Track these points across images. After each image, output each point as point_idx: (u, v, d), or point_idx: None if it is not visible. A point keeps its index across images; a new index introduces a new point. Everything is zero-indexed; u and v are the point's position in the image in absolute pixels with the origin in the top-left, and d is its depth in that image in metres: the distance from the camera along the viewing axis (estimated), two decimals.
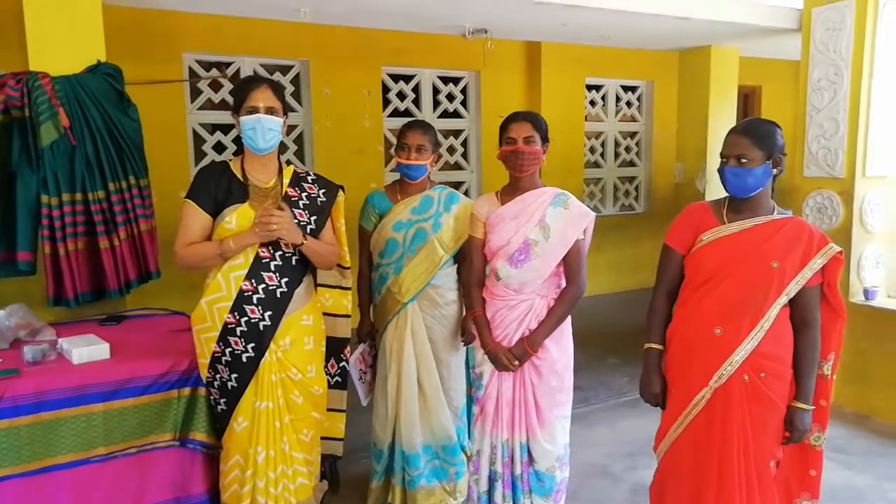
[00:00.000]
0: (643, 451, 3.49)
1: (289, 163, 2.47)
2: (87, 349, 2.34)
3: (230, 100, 5.20)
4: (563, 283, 2.45)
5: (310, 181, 2.42)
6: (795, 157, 4.18)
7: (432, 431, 2.82)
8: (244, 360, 2.26)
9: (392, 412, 2.81)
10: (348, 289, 2.64)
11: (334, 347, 2.59)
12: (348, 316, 2.64)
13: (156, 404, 2.35)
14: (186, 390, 2.39)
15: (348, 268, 2.61)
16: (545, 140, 2.45)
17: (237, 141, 5.63)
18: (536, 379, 2.40)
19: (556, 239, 2.35)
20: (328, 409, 2.59)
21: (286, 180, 2.37)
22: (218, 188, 2.27)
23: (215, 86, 5.19)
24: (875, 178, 4.01)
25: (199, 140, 5.22)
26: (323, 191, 2.42)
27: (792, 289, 2.01)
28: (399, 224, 2.78)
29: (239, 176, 2.31)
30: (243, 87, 2.27)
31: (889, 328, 3.72)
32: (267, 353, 2.27)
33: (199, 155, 5.23)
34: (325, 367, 2.55)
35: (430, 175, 2.86)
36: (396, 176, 6.12)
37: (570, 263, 2.40)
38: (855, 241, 3.97)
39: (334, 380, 2.64)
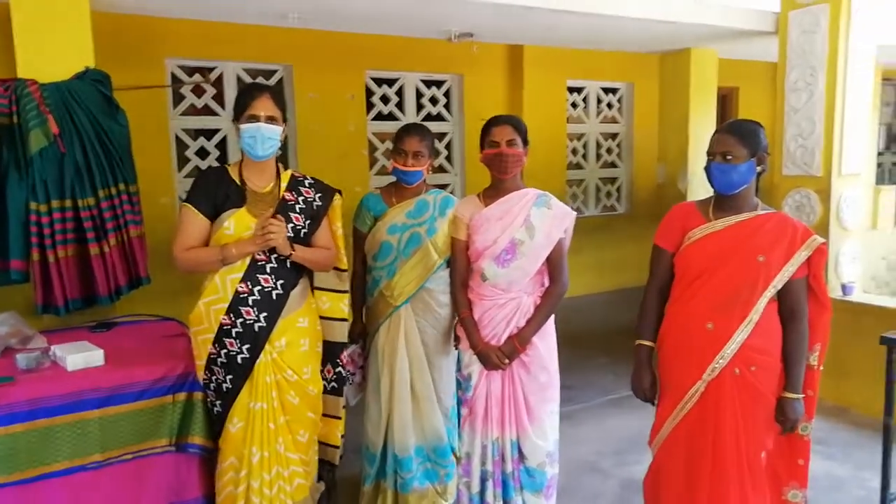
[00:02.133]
0: (631, 447, 3.55)
1: (286, 167, 2.48)
2: (81, 356, 2.34)
3: (213, 105, 5.21)
4: (546, 282, 2.50)
5: (307, 185, 2.45)
6: (774, 157, 4.28)
7: (424, 434, 2.84)
8: (239, 361, 2.27)
9: (385, 415, 2.83)
10: (346, 292, 2.64)
11: (330, 352, 2.58)
12: (346, 320, 2.62)
13: (151, 410, 2.35)
14: (182, 395, 2.39)
15: (346, 271, 2.61)
16: (526, 143, 2.51)
17: (220, 146, 5.62)
18: (525, 375, 2.44)
19: (540, 238, 2.41)
20: (326, 415, 2.59)
21: (283, 185, 2.39)
22: (217, 193, 2.30)
23: (198, 91, 5.17)
24: (850, 176, 4.12)
25: (181, 146, 5.19)
26: (319, 195, 2.45)
27: (778, 282, 2.08)
28: (394, 227, 2.80)
29: (237, 181, 2.33)
30: (245, 95, 2.30)
31: (866, 322, 3.83)
32: (262, 355, 2.29)
33: (182, 161, 5.21)
34: (323, 371, 2.56)
35: (425, 179, 2.89)
36: (381, 179, 6.12)
37: (553, 262, 2.46)
38: (832, 237, 4.08)
39: (330, 385, 2.61)
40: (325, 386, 2.56)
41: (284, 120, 2.34)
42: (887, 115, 8.39)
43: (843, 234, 4.14)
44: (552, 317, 2.51)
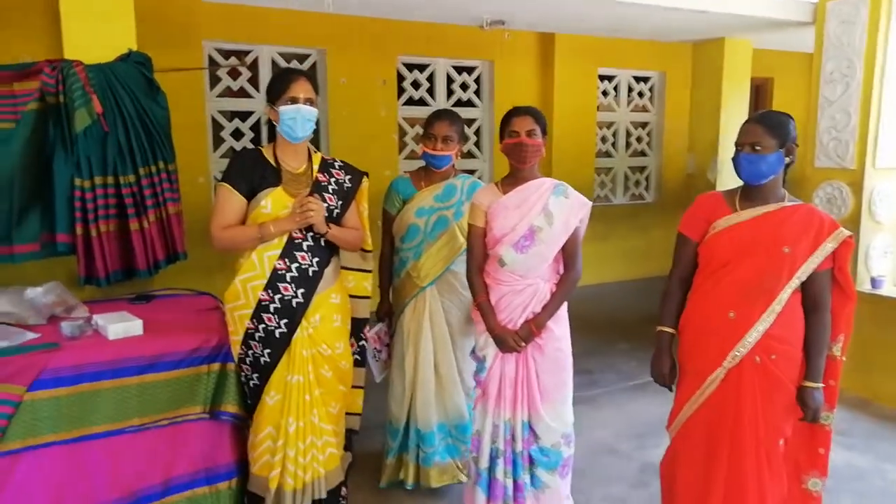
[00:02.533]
0: (651, 431, 3.59)
1: (317, 150, 2.56)
2: (121, 325, 2.45)
3: (248, 87, 5.32)
4: (561, 270, 2.54)
5: (337, 167, 2.52)
6: (807, 148, 4.24)
7: (446, 411, 2.92)
8: (277, 335, 2.36)
9: (409, 392, 2.91)
10: (369, 271, 2.72)
11: (354, 327, 2.67)
12: (368, 297, 2.73)
13: (187, 378, 2.45)
14: (216, 365, 2.48)
15: (370, 251, 2.69)
16: (544, 133, 2.54)
17: (255, 128, 5.73)
18: (540, 357, 2.49)
19: (558, 226, 2.45)
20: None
21: (315, 166, 2.47)
22: (253, 173, 2.37)
23: (234, 74, 5.27)
24: (884, 170, 4.06)
25: (217, 127, 5.31)
26: (349, 177, 2.53)
27: (803, 273, 2.09)
28: (421, 210, 2.87)
29: (272, 162, 2.41)
30: (283, 78, 2.37)
31: (894, 316, 3.79)
32: (298, 330, 2.38)
33: (217, 141, 5.33)
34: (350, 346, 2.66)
35: (454, 164, 2.94)
36: (410, 163, 6.20)
37: (568, 250, 2.50)
38: (863, 231, 4.04)
39: (354, 357, 2.71)
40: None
41: (316, 104, 2.42)
42: None
43: (874, 228, 4.09)
44: (566, 303, 2.56)
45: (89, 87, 2.84)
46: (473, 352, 2.64)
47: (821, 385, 2.15)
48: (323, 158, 2.53)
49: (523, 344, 2.46)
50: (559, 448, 2.52)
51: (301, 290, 2.36)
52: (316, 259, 2.39)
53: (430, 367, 2.88)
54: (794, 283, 2.09)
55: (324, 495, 2.48)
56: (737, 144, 2.16)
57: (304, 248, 2.37)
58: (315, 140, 5.63)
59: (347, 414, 2.76)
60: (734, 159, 2.17)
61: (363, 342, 2.75)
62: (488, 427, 2.55)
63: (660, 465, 2.43)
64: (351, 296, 2.64)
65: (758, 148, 2.09)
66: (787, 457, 2.27)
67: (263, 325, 2.36)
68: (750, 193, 2.19)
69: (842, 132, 4.07)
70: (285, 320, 2.36)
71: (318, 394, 2.44)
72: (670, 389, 2.36)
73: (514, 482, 2.53)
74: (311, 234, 2.38)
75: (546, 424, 2.49)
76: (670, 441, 2.37)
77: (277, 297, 2.35)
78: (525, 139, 2.46)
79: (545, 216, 2.45)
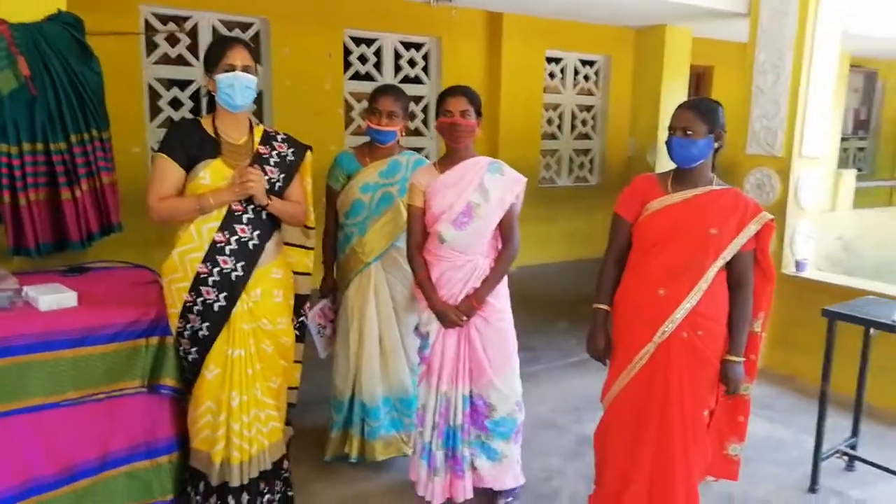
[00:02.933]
0: (587, 406, 3.74)
1: (261, 123, 2.52)
2: (54, 297, 2.37)
3: (188, 55, 5.15)
4: (500, 246, 2.61)
5: (279, 140, 2.49)
6: (740, 135, 4.42)
7: (391, 385, 2.96)
8: (216, 308, 2.34)
9: (353, 366, 2.94)
10: (311, 248, 2.70)
11: (295, 303, 2.66)
12: (309, 274, 2.72)
13: (124, 351, 2.40)
14: (155, 339, 2.44)
15: (313, 228, 2.67)
16: (479, 114, 2.58)
17: (194, 98, 5.56)
18: (485, 330, 2.56)
19: (494, 202, 2.51)
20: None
21: (257, 138, 2.43)
22: (191, 143, 2.33)
23: (172, 40, 5.09)
24: (809, 159, 4.28)
25: (154, 95, 5.13)
26: (292, 150, 2.50)
27: (728, 253, 2.21)
28: (367, 186, 2.88)
29: (211, 133, 2.36)
30: (218, 46, 2.33)
31: (816, 297, 4.01)
32: (238, 303, 2.36)
33: (155, 111, 5.15)
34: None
35: (399, 141, 2.95)
36: (356, 139, 6.15)
37: (505, 225, 2.57)
38: (789, 216, 4.26)
39: (294, 333, 2.69)
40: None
41: (256, 71, 2.38)
42: (855, 101, 8.62)
43: (799, 214, 4.32)
44: (505, 278, 2.63)
45: (14, 47, 2.70)
46: (417, 329, 2.69)
47: (742, 359, 2.29)
48: (265, 131, 2.49)
49: (465, 318, 2.52)
50: (514, 415, 2.62)
51: (240, 264, 2.34)
52: (256, 232, 2.37)
53: (375, 342, 2.91)
54: (720, 262, 2.21)
55: (269, 466, 2.49)
56: (669, 129, 2.26)
57: (244, 220, 2.34)
58: (258, 113, 5.51)
59: (288, 389, 2.77)
60: (667, 142, 2.27)
61: (303, 318, 2.74)
62: (431, 402, 2.61)
63: (594, 434, 2.54)
64: (293, 272, 2.62)
65: (689, 133, 2.19)
66: (711, 426, 2.41)
67: (202, 299, 2.33)
68: (681, 177, 2.29)
69: (771, 121, 4.26)
70: (224, 293, 2.33)
71: (259, 368, 2.43)
72: (605, 364, 2.46)
73: (454, 455, 2.60)
74: (251, 206, 2.35)
75: (500, 393, 2.57)
76: (603, 412, 2.48)
77: (216, 269, 2.32)
78: (458, 119, 2.50)
79: (481, 193, 2.50)
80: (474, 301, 2.51)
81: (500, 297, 2.61)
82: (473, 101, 2.54)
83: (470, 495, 2.63)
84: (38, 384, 2.26)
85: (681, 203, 2.25)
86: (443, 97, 2.56)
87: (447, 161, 2.59)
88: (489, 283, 2.53)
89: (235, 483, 2.40)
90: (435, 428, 2.59)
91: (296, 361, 2.75)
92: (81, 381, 2.33)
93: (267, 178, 2.36)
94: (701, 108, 2.22)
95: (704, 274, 2.20)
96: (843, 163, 8.39)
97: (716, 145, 2.23)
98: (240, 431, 2.39)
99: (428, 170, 2.63)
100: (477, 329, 2.56)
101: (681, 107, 2.26)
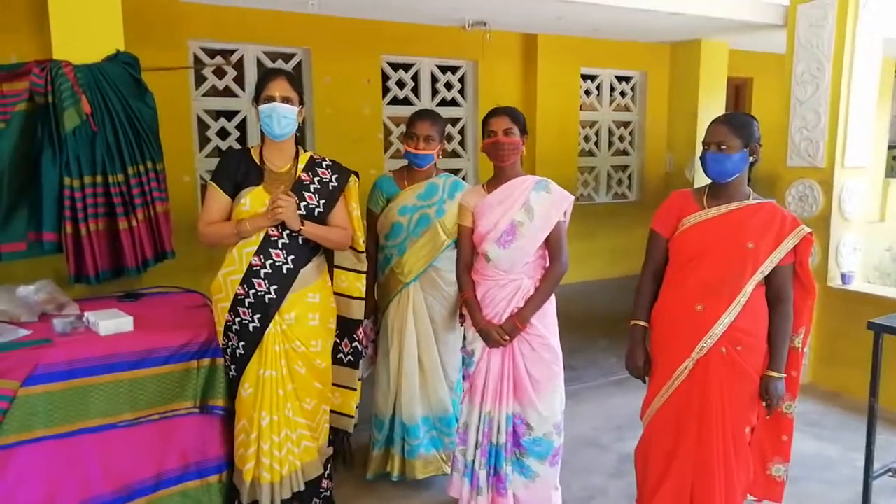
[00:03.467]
0: (629, 424, 3.70)
1: (307, 150, 2.63)
2: (113, 321, 2.51)
3: (234, 87, 5.37)
4: (548, 265, 2.63)
5: (324, 167, 2.58)
6: (780, 148, 4.36)
7: (430, 405, 3.01)
8: (251, 329, 2.44)
9: (394, 386, 3.00)
10: (363, 272, 2.73)
11: (348, 328, 2.72)
12: (362, 299, 2.74)
13: (177, 373, 2.52)
14: (206, 361, 2.55)
15: (363, 252, 2.70)
16: (523, 132, 2.62)
17: (240, 127, 5.77)
18: (529, 352, 2.58)
19: (539, 220, 2.54)
20: (341, 386, 2.77)
21: (301, 165, 2.54)
22: (237, 171, 2.47)
23: (219, 73, 5.32)
24: (853, 169, 4.20)
25: (203, 126, 5.35)
26: (336, 176, 2.57)
27: (766, 267, 2.20)
28: (405, 209, 2.95)
29: (257, 160, 2.50)
30: (263, 78, 2.47)
31: (863, 311, 3.91)
32: (271, 325, 2.45)
33: (203, 141, 5.37)
34: (339, 345, 2.72)
35: (436, 163, 3.03)
36: (395, 162, 6.28)
37: (553, 243, 2.59)
38: (833, 228, 4.17)
39: (347, 358, 2.77)
40: (342, 359, 2.72)
41: (301, 102, 2.48)
42: None
43: (844, 225, 4.23)
44: (553, 299, 2.64)
45: (78, 87, 2.89)
46: (463, 346, 2.73)
47: (783, 375, 2.26)
48: (311, 157, 2.58)
49: (507, 338, 2.55)
50: (551, 437, 2.61)
51: (273, 287, 2.43)
52: (291, 257, 2.45)
53: (415, 361, 2.96)
54: (758, 277, 2.21)
55: (302, 487, 2.54)
56: (704, 143, 2.28)
57: (280, 245, 2.44)
58: (301, 140, 5.67)
59: (341, 415, 2.81)
60: (701, 157, 2.28)
61: (356, 343, 2.76)
62: (474, 420, 2.64)
63: (634, 451, 2.53)
64: (344, 295, 2.69)
65: (723, 147, 2.20)
66: (753, 444, 2.38)
67: (239, 319, 2.45)
68: (717, 191, 2.29)
69: (812, 132, 4.20)
70: (258, 315, 2.43)
71: (291, 388, 2.50)
72: (644, 381, 2.46)
73: (496, 473, 2.61)
74: (286, 231, 2.43)
75: (539, 415, 2.58)
76: (643, 429, 2.47)
77: (252, 291, 2.43)
78: (502, 138, 2.55)
79: (525, 211, 2.54)
80: (517, 321, 2.53)
81: (545, 317, 2.61)
82: (516, 119, 2.59)
83: None
84: (98, 405, 2.39)
85: (717, 217, 2.26)
86: (486, 119, 2.62)
87: (495, 181, 2.65)
88: (533, 302, 2.55)
89: (266, 503, 2.47)
90: (478, 447, 2.62)
91: (351, 388, 2.79)
92: (138, 402, 2.46)
93: (305, 203, 2.46)
94: (734, 122, 2.23)
95: (742, 289, 2.19)
96: (889, 172, 8.14)
97: (751, 159, 2.24)
98: (269, 451, 2.45)
99: (476, 190, 2.70)
100: (521, 349, 2.58)
101: (715, 121, 2.28)
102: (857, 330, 3.92)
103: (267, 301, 2.43)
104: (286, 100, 2.41)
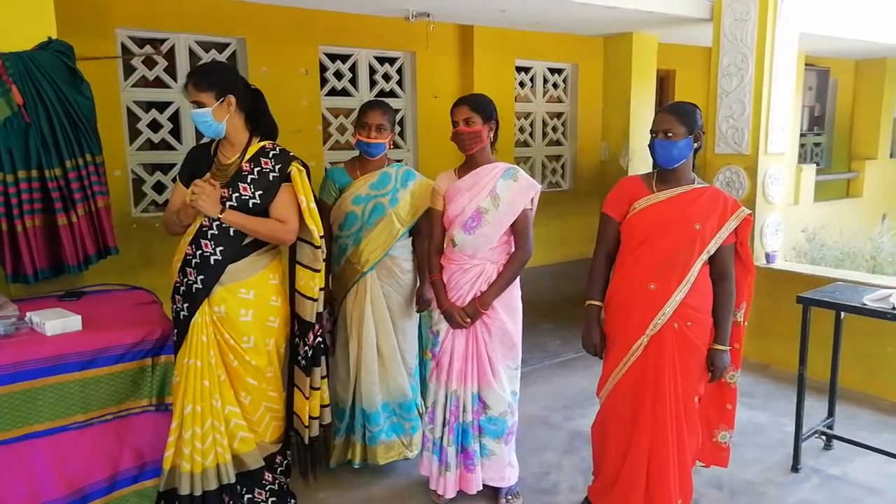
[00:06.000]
0: (576, 403, 3.86)
1: (262, 139, 2.55)
2: (59, 321, 2.40)
3: (165, 77, 5.17)
4: (513, 251, 2.71)
5: (270, 156, 2.50)
6: (707, 136, 4.61)
7: (389, 391, 3.04)
8: (181, 317, 2.46)
9: (353, 374, 3.01)
10: (318, 271, 2.52)
11: (303, 329, 2.58)
12: (315, 299, 2.53)
13: (131, 372, 2.45)
14: (161, 358, 2.50)
15: (319, 247, 2.49)
16: (489, 119, 2.67)
17: (173, 119, 5.56)
18: (487, 335, 2.66)
19: (504, 208, 2.61)
20: (297, 387, 2.64)
21: (247, 156, 2.50)
22: (194, 165, 2.52)
23: (149, 63, 5.11)
24: (774, 155, 4.50)
25: (133, 118, 5.13)
26: (279, 166, 2.48)
27: (711, 247, 2.35)
28: (358, 198, 2.96)
29: (212, 153, 2.53)
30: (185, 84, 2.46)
31: (786, 287, 4.21)
32: (198, 315, 2.42)
33: (134, 133, 5.15)
34: (297, 346, 2.61)
35: (387, 153, 3.05)
36: (335, 154, 6.20)
37: (518, 230, 2.67)
38: (758, 210, 4.45)
39: (302, 361, 2.60)
40: (299, 360, 2.62)
41: (224, 95, 2.39)
42: (809, 98, 8.96)
43: (767, 208, 4.52)
44: (517, 284, 2.73)
45: (7, 76, 2.73)
46: (430, 327, 2.79)
47: (728, 347, 2.43)
48: (261, 147, 2.51)
49: (469, 320, 2.61)
50: (505, 416, 2.70)
51: (200, 277, 2.43)
52: (220, 248, 2.43)
53: (373, 350, 2.98)
54: (704, 256, 2.35)
55: (232, 479, 2.49)
56: (652, 131, 2.40)
57: (209, 236, 2.43)
58: None
59: (297, 416, 2.67)
60: (650, 145, 2.40)
61: (307, 347, 2.56)
62: (441, 399, 2.70)
63: (591, 428, 2.65)
64: (299, 293, 2.58)
65: (670, 134, 2.33)
66: (701, 413, 2.54)
67: (175, 307, 2.48)
68: (664, 176, 2.42)
69: (738, 121, 4.47)
70: (187, 304, 2.44)
71: (223, 379, 2.46)
72: (600, 358, 2.57)
73: (465, 451, 2.69)
74: (215, 222, 2.42)
75: (496, 394, 2.66)
76: (600, 405, 2.59)
77: (185, 280, 2.46)
78: (462, 128, 2.61)
79: (492, 198, 2.61)
80: (478, 304, 2.60)
81: (506, 301, 2.69)
82: (477, 108, 2.64)
83: (480, 487, 2.73)
84: (47, 408, 2.30)
85: (666, 201, 2.39)
86: (452, 109, 2.67)
87: (465, 167, 2.71)
88: (495, 286, 2.63)
89: (184, 491, 2.43)
90: (446, 425, 2.68)
91: (314, 388, 2.59)
92: (90, 403, 2.38)
93: (238, 194, 2.42)
94: (680, 111, 2.36)
95: (692, 267, 2.34)
96: (801, 158, 8.71)
97: (695, 145, 2.38)
98: (191, 440, 2.41)
99: (448, 175, 2.75)
100: (482, 331, 2.66)
101: (661, 110, 2.41)
102: (782, 305, 4.23)
103: (194, 291, 2.43)
104: (196, 104, 2.40)
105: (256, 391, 2.53)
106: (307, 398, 2.60)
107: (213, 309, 2.43)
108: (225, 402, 2.47)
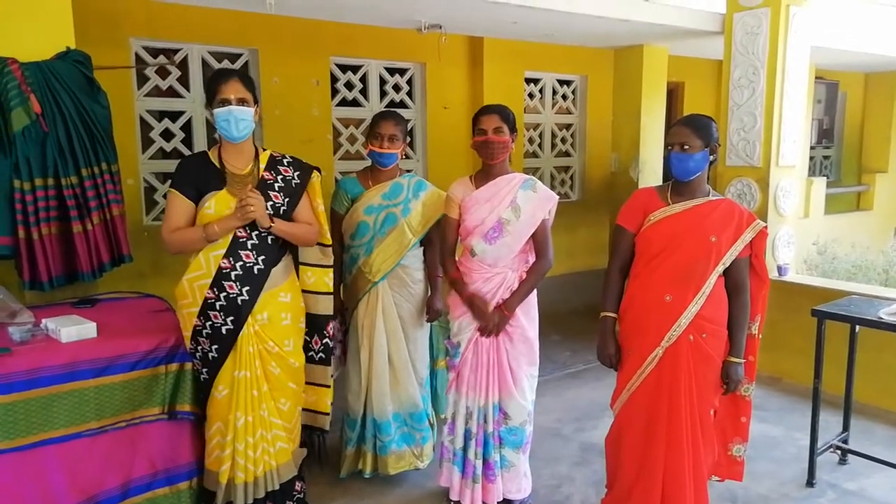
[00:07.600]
0: (587, 415, 3.84)
1: (265, 148, 2.60)
2: (75, 328, 2.41)
3: (178, 87, 5.21)
4: (531, 260, 2.72)
5: (285, 164, 2.57)
6: (719, 148, 4.60)
7: (400, 401, 3.03)
8: (224, 332, 2.42)
9: (364, 384, 3.01)
10: (330, 267, 2.70)
11: (317, 324, 2.70)
12: (330, 293, 2.71)
13: (144, 379, 2.45)
14: (174, 366, 2.49)
15: (329, 245, 2.68)
16: (513, 130, 2.69)
17: (186, 128, 5.62)
18: (509, 345, 2.66)
19: (525, 218, 2.62)
20: (314, 384, 2.75)
21: (262, 165, 2.52)
22: (198, 176, 2.44)
23: (163, 73, 5.15)
24: (786, 168, 4.49)
25: (146, 127, 5.17)
26: (298, 173, 2.57)
27: (727, 259, 2.34)
28: (370, 208, 2.97)
29: (216, 164, 2.47)
30: (215, 81, 2.43)
31: (798, 300, 4.20)
32: (245, 327, 2.43)
33: (147, 142, 5.19)
34: (310, 343, 2.71)
35: (398, 164, 3.06)
36: (345, 164, 6.23)
37: (538, 240, 2.68)
38: (770, 223, 4.44)
39: (318, 356, 2.74)
40: (313, 356, 2.71)
41: (256, 101, 2.46)
42: (819, 111, 8.95)
43: (779, 220, 4.51)
44: (535, 294, 2.73)
45: (26, 85, 2.76)
46: (448, 338, 2.78)
47: (742, 360, 2.41)
48: (272, 156, 2.57)
49: (497, 319, 2.60)
50: (525, 426, 2.70)
51: (246, 288, 2.42)
52: (262, 257, 2.44)
53: (385, 359, 2.98)
54: (720, 268, 2.35)
55: (277, 486, 2.54)
56: (667, 144, 2.40)
57: (249, 246, 2.43)
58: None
59: (316, 413, 2.79)
60: (666, 157, 2.40)
61: (327, 340, 2.73)
62: (462, 410, 2.69)
63: (605, 440, 2.63)
64: (312, 291, 2.68)
65: (686, 147, 2.33)
66: (715, 426, 2.52)
67: (210, 322, 2.42)
68: (680, 189, 2.42)
69: (749, 133, 4.46)
70: (231, 317, 2.41)
71: (266, 389, 2.49)
72: (615, 370, 2.56)
73: (485, 461, 2.68)
74: (255, 232, 2.42)
75: (517, 403, 2.66)
76: (614, 417, 2.58)
77: (223, 294, 2.41)
78: (492, 137, 2.62)
79: (513, 209, 2.61)
80: (504, 309, 2.61)
81: (530, 311, 2.71)
82: (506, 118, 2.66)
83: (500, 498, 2.72)
84: (61, 415, 2.30)
85: (681, 213, 2.38)
86: (477, 116, 2.69)
87: (482, 176, 2.71)
88: (519, 293, 2.64)
89: (240, 503, 2.45)
90: (473, 437, 2.67)
91: (324, 385, 2.76)
92: (104, 410, 2.38)
93: (271, 203, 2.45)
94: (696, 123, 2.36)
95: (707, 279, 2.33)
96: (811, 171, 8.69)
97: (711, 158, 2.38)
98: (244, 451, 2.45)
99: (464, 183, 2.75)
100: (504, 339, 2.66)
101: (677, 123, 2.41)
102: (794, 318, 4.20)
103: (240, 303, 2.41)
104: (242, 101, 2.39)
105: (294, 396, 2.58)
106: (328, 387, 2.77)
107: (257, 318, 2.44)
108: (270, 413, 2.51)
